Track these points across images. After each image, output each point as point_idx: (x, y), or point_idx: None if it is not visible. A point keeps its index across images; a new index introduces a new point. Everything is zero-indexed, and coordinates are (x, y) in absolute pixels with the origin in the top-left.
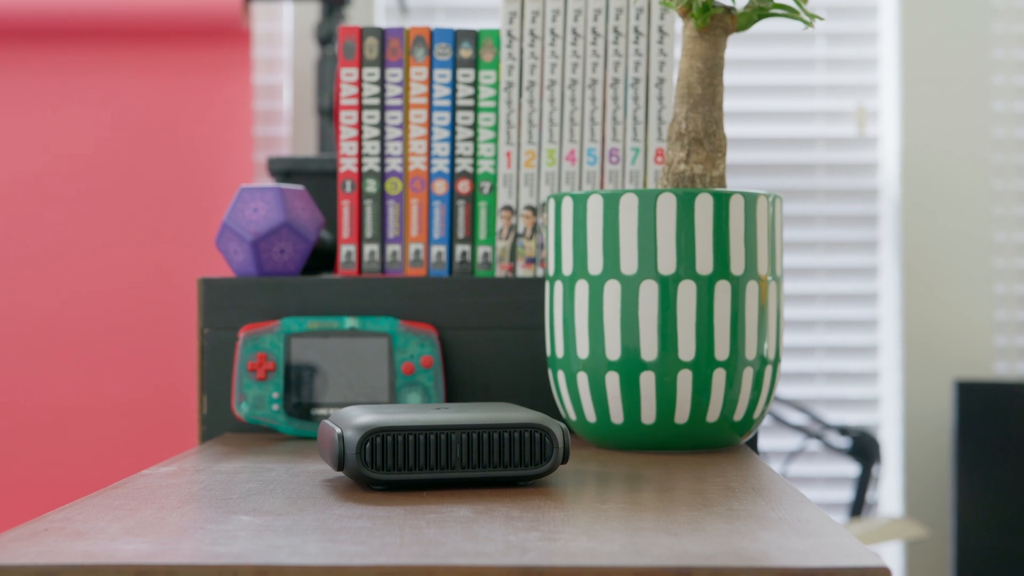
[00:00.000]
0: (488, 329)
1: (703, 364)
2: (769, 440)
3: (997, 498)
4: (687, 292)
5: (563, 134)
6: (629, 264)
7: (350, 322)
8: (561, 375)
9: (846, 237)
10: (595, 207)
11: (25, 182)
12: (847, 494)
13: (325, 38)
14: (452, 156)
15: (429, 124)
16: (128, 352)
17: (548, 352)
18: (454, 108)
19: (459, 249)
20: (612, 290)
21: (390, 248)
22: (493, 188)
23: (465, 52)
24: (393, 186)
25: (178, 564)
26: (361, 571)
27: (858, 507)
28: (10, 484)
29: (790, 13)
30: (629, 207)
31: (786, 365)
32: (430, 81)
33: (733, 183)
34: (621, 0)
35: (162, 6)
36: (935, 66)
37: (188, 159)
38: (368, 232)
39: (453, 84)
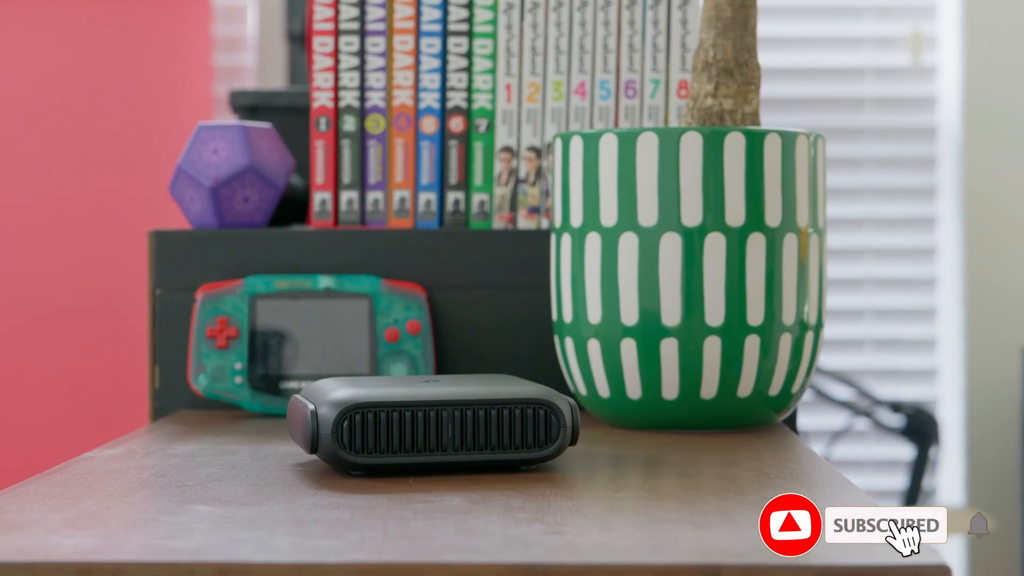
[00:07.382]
0: (485, 289)
1: (733, 330)
2: (810, 418)
3: None
4: (715, 246)
5: (571, 64)
6: (648, 214)
7: (325, 281)
8: (569, 343)
9: (899, 183)
10: (609, 148)
11: None
12: (900, 480)
13: None
14: (443, 89)
15: (416, 52)
16: (68, 317)
17: (554, 316)
18: (445, 34)
19: (451, 197)
20: (628, 244)
21: (371, 196)
22: (491, 126)
23: None
24: (375, 124)
25: (126, 562)
26: (337, 570)
27: (913, 495)
28: None
29: None
30: (648, 148)
31: (830, 331)
32: (418, 2)
33: (768, 120)
34: None
35: None
36: None
37: (137, 92)
38: (346, 177)
39: (444, 6)
